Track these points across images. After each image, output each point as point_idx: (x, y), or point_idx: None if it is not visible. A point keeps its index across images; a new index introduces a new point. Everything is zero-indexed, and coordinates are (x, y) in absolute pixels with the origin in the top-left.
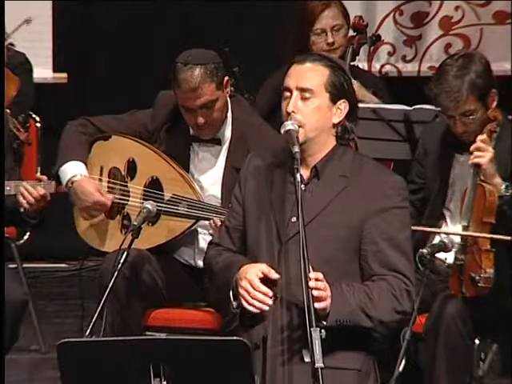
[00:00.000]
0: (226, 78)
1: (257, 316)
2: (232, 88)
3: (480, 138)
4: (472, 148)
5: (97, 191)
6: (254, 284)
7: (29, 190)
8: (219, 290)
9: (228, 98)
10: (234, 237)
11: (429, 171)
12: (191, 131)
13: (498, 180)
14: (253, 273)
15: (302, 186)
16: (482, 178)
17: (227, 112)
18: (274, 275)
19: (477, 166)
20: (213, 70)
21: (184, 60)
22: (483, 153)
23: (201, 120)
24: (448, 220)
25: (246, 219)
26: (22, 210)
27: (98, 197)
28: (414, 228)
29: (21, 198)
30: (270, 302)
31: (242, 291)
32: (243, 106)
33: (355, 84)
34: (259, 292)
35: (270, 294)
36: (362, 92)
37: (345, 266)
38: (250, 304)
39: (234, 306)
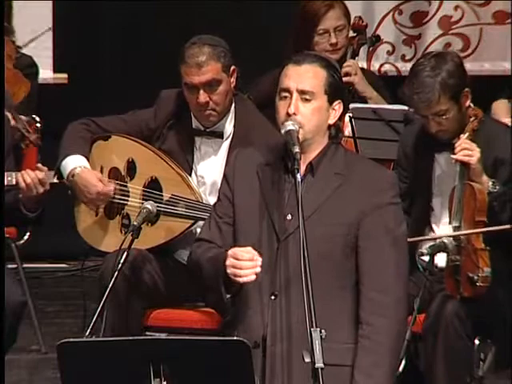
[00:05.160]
0: (233, 67)
1: (254, 313)
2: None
3: (463, 137)
4: (457, 148)
5: (98, 181)
6: (238, 255)
7: (29, 173)
8: (207, 283)
9: (232, 93)
10: (224, 231)
11: (410, 174)
12: (194, 124)
13: (484, 178)
14: (236, 249)
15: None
16: (470, 177)
17: (231, 104)
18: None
19: (465, 165)
20: (220, 53)
21: (194, 40)
22: (472, 152)
23: (203, 98)
24: (432, 220)
25: (237, 216)
26: (20, 202)
27: (100, 187)
28: (411, 240)
29: (20, 179)
30: (258, 269)
31: (229, 269)
32: (247, 104)
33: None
34: (245, 260)
35: (258, 260)
36: (369, 90)
37: (342, 262)
38: (238, 275)
39: (226, 296)
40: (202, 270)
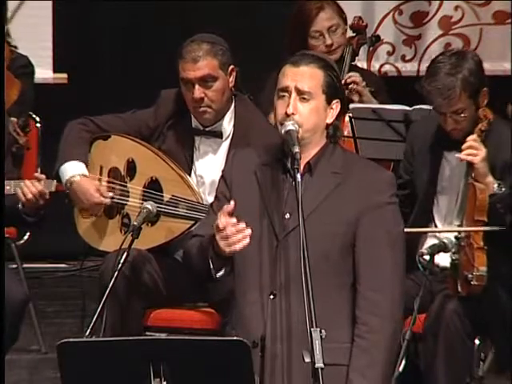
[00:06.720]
0: (232, 67)
1: (253, 313)
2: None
3: (471, 137)
4: (464, 147)
5: (96, 192)
6: (220, 225)
7: (28, 186)
8: (198, 267)
9: (232, 94)
10: None
11: (417, 169)
12: (193, 124)
13: (490, 179)
14: (221, 222)
15: (293, 182)
16: (474, 177)
17: (229, 104)
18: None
19: (469, 164)
20: (218, 50)
21: (194, 37)
22: (476, 151)
23: (198, 93)
24: (436, 219)
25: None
26: (20, 207)
27: (97, 198)
28: (408, 230)
29: (20, 193)
30: (248, 235)
31: (221, 243)
32: (247, 104)
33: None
34: (227, 225)
35: (246, 230)
36: (364, 92)
37: (340, 261)
38: (229, 245)
39: (215, 273)
40: (192, 257)
